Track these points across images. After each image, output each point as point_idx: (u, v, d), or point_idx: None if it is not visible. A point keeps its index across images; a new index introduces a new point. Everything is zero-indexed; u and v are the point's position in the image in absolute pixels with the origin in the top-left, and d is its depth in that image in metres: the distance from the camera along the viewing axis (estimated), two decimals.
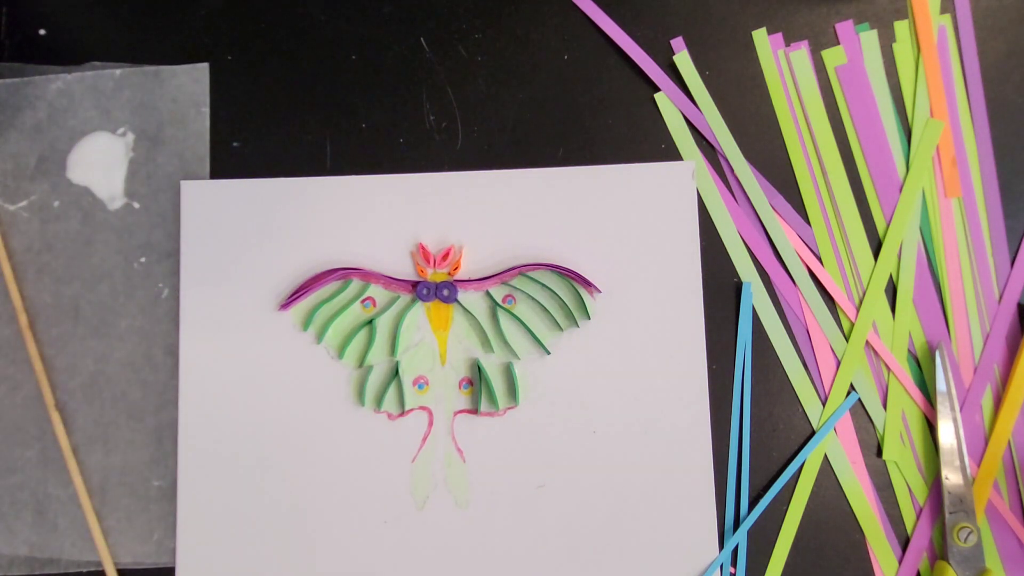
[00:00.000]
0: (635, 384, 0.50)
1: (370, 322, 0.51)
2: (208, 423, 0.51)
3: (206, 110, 0.53)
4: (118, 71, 0.54)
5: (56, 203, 0.53)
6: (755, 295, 0.51)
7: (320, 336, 0.51)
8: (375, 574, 0.50)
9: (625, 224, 0.51)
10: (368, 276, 0.51)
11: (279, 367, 0.51)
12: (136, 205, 0.53)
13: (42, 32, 0.55)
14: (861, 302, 0.51)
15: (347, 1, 0.55)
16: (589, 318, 0.51)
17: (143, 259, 0.52)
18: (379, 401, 0.51)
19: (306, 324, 0.51)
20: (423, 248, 0.51)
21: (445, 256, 0.51)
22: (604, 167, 0.52)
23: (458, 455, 0.50)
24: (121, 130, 0.53)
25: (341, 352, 0.51)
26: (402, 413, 0.51)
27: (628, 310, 0.51)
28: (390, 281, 0.51)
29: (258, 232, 0.52)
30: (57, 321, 0.52)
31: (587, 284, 0.50)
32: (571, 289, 0.51)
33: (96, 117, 0.54)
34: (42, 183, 0.53)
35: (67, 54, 0.54)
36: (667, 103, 0.53)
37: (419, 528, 0.50)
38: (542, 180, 0.52)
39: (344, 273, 0.51)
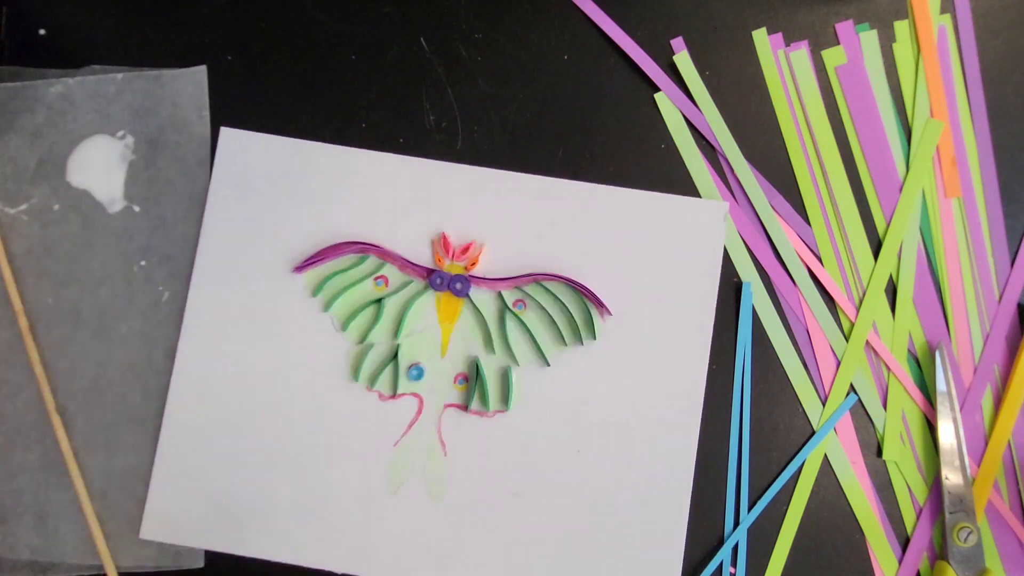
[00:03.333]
0: (627, 413, 0.50)
1: (379, 301, 0.51)
2: (203, 371, 0.51)
3: (207, 114, 0.53)
4: (119, 75, 0.54)
5: (56, 206, 0.53)
6: (755, 295, 0.51)
7: (328, 305, 0.51)
8: (339, 550, 0.50)
9: (649, 253, 0.51)
10: (385, 255, 0.52)
11: (282, 328, 0.51)
12: (136, 208, 0.53)
13: (42, 32, 0.55)
14: (861, 302, 0.51)
15: (347, 1, 0.54)
16: (595, 339, 0.51)
17: (143, 262, 0.52)
18: (373, 380, 0.51)
19: (316, 291, 0.51)
20: (445, 238, 0.52)
21: (465, 250, 0.51)
22: (640, 192, 0.52)
23: (440, 447, 0.51)
24: (121, 133, 0.53)
25: (345, 325, 0.51)
26: (393, 396, 0.51)
27: (635, 338, 0.51)
28: (406, 264, 0.51)
29: (288, 191, 0.52)
30: (58, 325, 0.52)
31: (599, 304, 0.50)
32: (582, 306, 0.51)
33: (96, 120, 0.53)
34: (42, 186, 0.53)
35: (67, 54, 0.54)
36: (667, 103, 0.53)
37: (389, 512, 0.50)
38: (575, 193, 0.52)
39: (362, 248, 0.51)
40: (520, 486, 0.50)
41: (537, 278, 0.51)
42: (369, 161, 0.53)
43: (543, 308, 0.51)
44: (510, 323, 0.51)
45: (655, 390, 0.50)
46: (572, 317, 0.51)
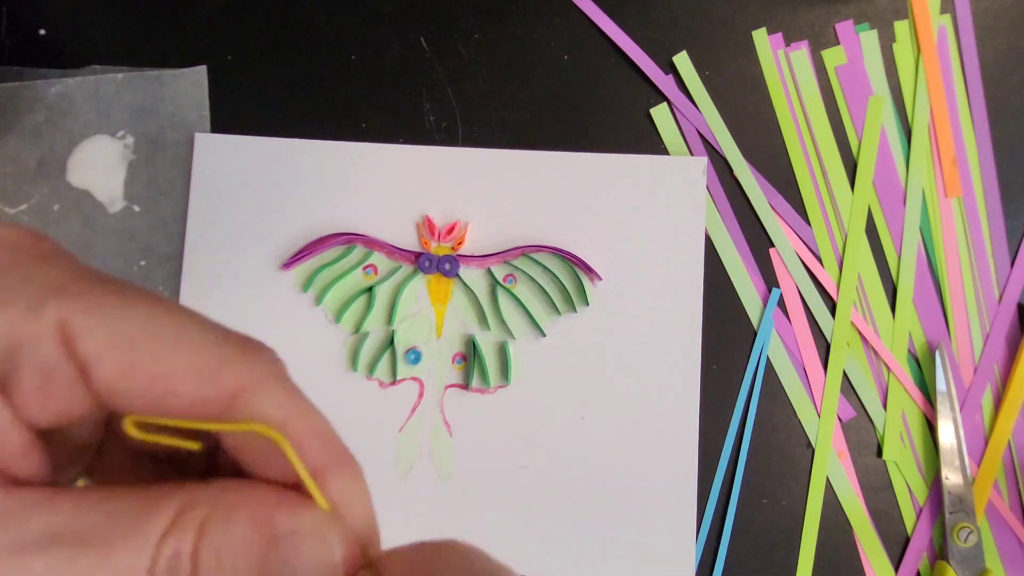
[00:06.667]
0: (628, 375, 0.51)
1: (370, 289, 0.52)
2: None
3: (207, 113, 0.53)
4: (119, 75, 0.54)
5: (56, 206, 0.53)
6: (753, 295, 0.51)
7: (320, 299, 0.52)
8: None
9: (632, 215, 0.52)
10: (372, 243, 0.52)
11: (276, 325, 0.52)
12: (136, 208, 0.53)
13: (42, 32, 0.55)
14: (841, 271, 0.51)
15: (347, 1, 0.54)
16: (588, 304, 0.51)
17: (143, 262, 0.52)
18: (372, 368, 0.51)
19: (306, 285, 0.52)
20: (429, 220, 0.52)
21: (450, 230, 0.52)
22: (617, 156, 0.52)
23: (445, 428, 0.51)
24: (121, 133, 0.53)
25: (339, 316, 0.51)
26: (393, 382, 0.51)
27: (627, 300, 0.51)
28: (393, 250, 0.52)
29: (268, 190, 0.52)
30: None
31: (589, 270, 0.51)
32: (572, 274, 0.51)
33: (96, 120, 0.53)
34: (42, 186, 0.53)
35: (67, 54, 0.54)
36: (662, 116, 0.53)
37: (400, 497, 0.50)
38: (553, 163, 0.52)
39: (348, 238, 0.51)
40: (528, 459, 0.50)
41: (525, 250, 0.51)
42: (346, 152, 0.53)
43: (533, 280, 0.51)
44: (502, 298, 0.51)
45: (652, 349, 0.51)
46: (563, 286, 0.51)
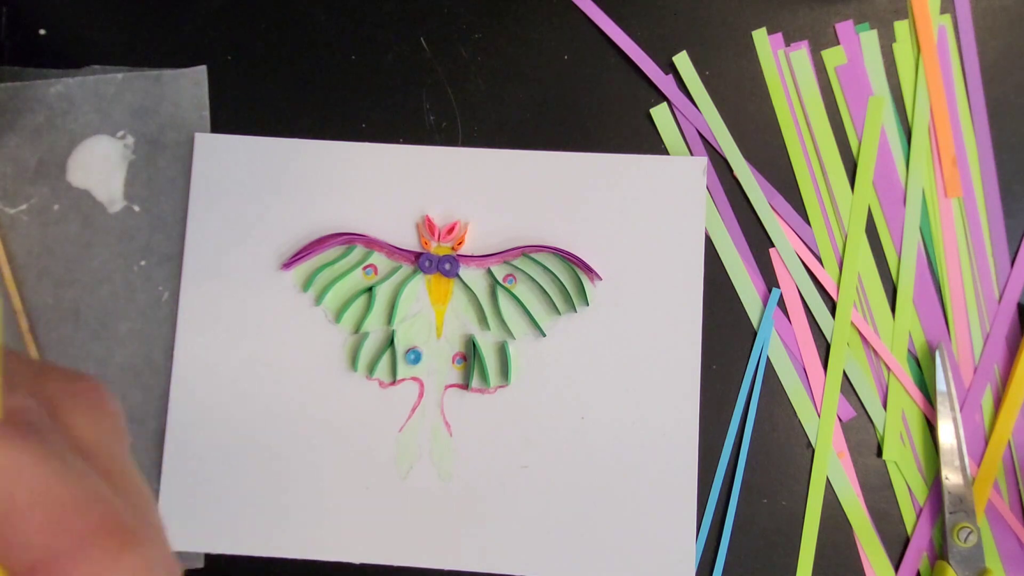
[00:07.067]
0: (628, 375, 0.51)
1: (370, 289, 0.52)
2: (202, 373, 0.51)
3: (206, 113, 0.53)
4: (119, 75, 0.54)
5: (56, 206, 0.53)
6: (753, 295, 0.51)
7: (320, 299, 0.52)
8: (354, 538, 0.50)
9: (632, 215, 0.52)
10: (372, 243, 0.52)
11: (276, 325, 0.52)
12: (136, 208, 0.53)
13: (42, 32, 0.55)
14: (841, 271, 0.51)
15: (347, 1, 0.54)
16: (588, 304, 0.51)
17: (143, 262, 0.52)
18: (372, 368, 0.51)
19: (306, 285, 0.52)
20: (429, 220, 0.52)
21: (450, 230, 0.52)
22: (617, 156, 0.52)
23: (445, 428, 0.51)
24: (121, 133, 0.53)
25: (339, 316, 0.52)
26: (393, 382, 0.51)
27: (627, 300, 0.51)
28: (393, 250, 0.52)
29: (268, 190, 0.52)
30: (57, 325, 0.52)
31: (589, 270, 0.51)
32: (572, 274, 0.51)
33: (96, 120, 0.53)
34: (42, 186, 0.53)
35: (67, 54, 0.54)
36: (662, 116, 0.53)
37: (401, 497, 0.50)
38: (553, 163, 0.52)
39: (348, 238, 0.52)
40: (528, 459, 0.50)
41: (525, 250, 0.51)
42: (346, 152, 0.53)
43: (533, 280, 0.51)
44: (502, 298, 0.51)
45: (652, 349, 0.51)
46: (563, 286, 0.51)
